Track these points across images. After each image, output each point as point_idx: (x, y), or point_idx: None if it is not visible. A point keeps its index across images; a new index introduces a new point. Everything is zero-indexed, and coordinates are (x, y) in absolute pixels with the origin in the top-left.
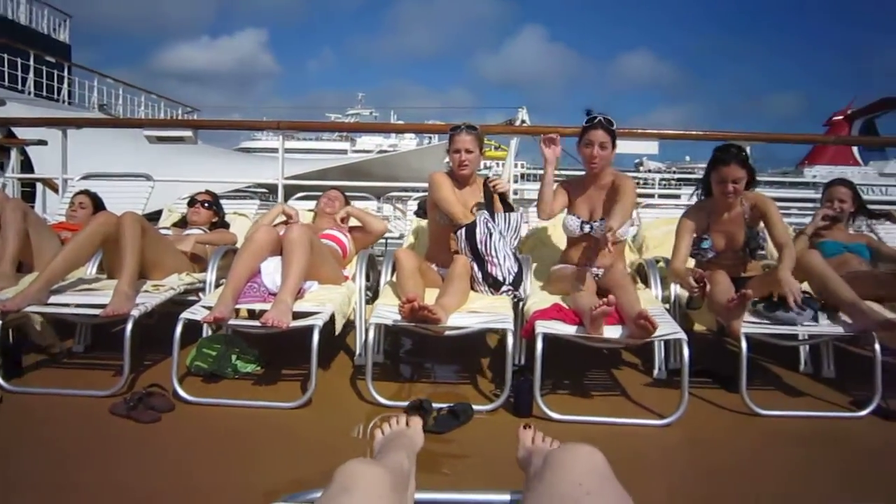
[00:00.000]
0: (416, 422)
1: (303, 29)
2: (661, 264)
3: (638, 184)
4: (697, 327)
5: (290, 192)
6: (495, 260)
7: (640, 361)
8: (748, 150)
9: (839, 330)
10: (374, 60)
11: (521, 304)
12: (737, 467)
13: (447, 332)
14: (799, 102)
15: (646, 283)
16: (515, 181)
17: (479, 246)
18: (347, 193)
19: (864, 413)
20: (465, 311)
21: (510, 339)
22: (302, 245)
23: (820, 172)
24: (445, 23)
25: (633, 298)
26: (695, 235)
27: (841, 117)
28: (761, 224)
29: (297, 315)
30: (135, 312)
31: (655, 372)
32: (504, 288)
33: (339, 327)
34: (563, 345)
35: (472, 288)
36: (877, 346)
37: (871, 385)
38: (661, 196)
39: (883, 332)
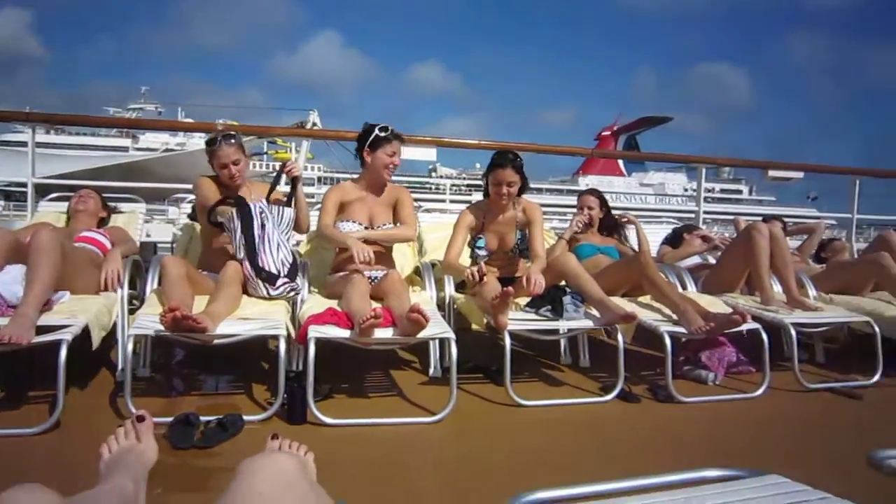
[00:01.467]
0: (147, 434)
1: (75, 12)
2: (438, 267)
3: (430, 189)
4: (474, 326)
5: (43, 192)
6: (268, 250)
7: (418, 361)
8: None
9: (590, 323)
10: (159, 53)
11: (296, 308)
12: (501, 455)
13: (216, 342)
14: (572, 117)
15: (422, 285)
16: (312, 184)
17: (254, 238)
18: (123, 195)
19: (610, 397)
20: (237, 317)
21: (282, 346)
22: (49, 251)
23: (592, 181)
24: (238, 21)
25: (406, 301)
26: (470, 237)
27: (608, 132)
28: None
29: (44, 329)
30: None
31: (431, 371)
32: (281, 282)
33: (96, 341)
34: (341, 348)
35: (246, 291)
36: (619, 337)
37: (616, 372)
38: (452, 202)
39: (624, 323)
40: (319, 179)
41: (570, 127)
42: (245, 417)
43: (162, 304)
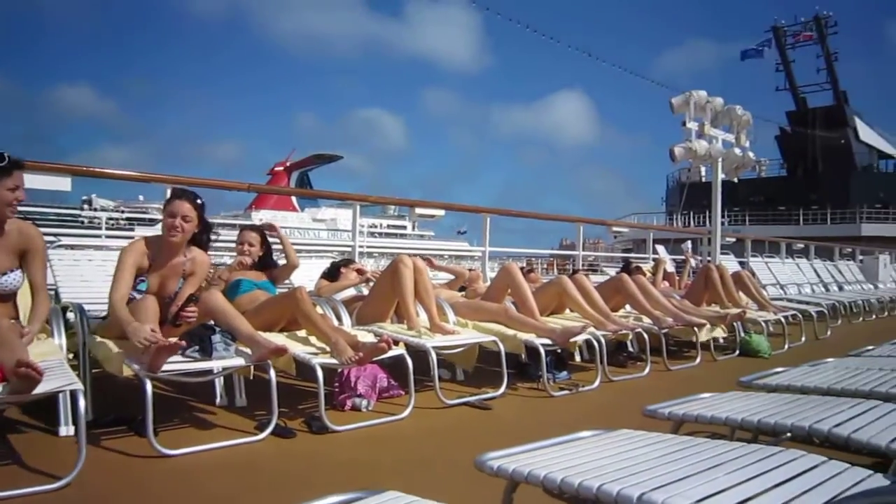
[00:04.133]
0: None
1: None
2: (71, 313)
3: (82, 223)
4: (125, 372)
5: None
6: None
7: (44, 421)
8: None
9: (241, 361)
10: None
11: None
12: None
13: None
14: (240, 153)
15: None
16: None
17: None
18: None
19: (264, 435)
20: None
21: None
22: None
23: (266, 216)
24: None
25: (21, 353)
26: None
27: (281, 168)
28: None
29: None
30: None
31: (62, 430)
32: None
33: None
34: None
35: None
36: (271, 372)
37: (270, 408)
38: (109, 237)
39: (275, 356)
40: None
41: (239, 162)
42: None
43: None
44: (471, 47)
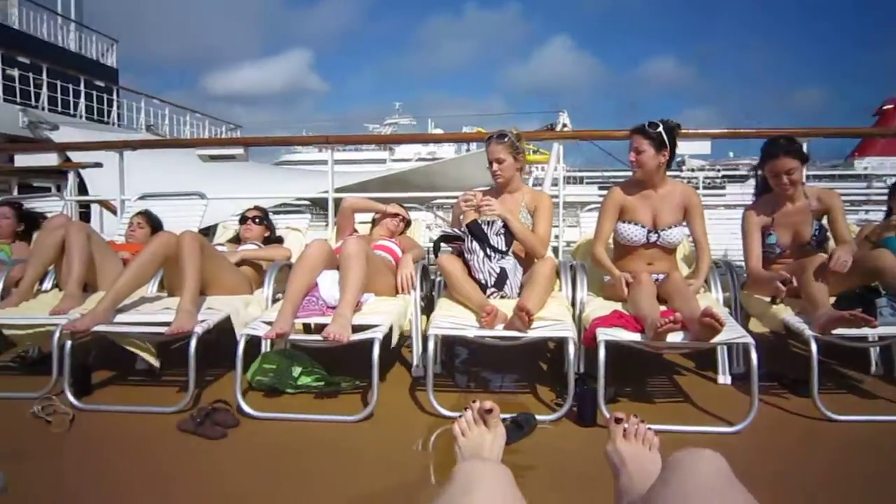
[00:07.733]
0: (497, 423)
1: (343, 49)
2: (720, 267)
3: (682, 183)
4: (758, 328)
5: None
6: (476, 264)
7: (701, 367)
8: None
9: None
10: (407, 76)
11: (578, 310)
12: (814, 477)
13: (504, 343)
14: (821, 99)
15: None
16: (556, 185)
17: (464, 254)
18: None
19: None
20: None
21: (571, 348)
22: (359, 258)
23: (871, 164)
24: (474, 37)
25: (695, 304)
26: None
27: (891, 106)
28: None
29: (356, 328)
30: (198, 329)
31: (720, 378)
32: (489, 291)
33: (395, 339)
34: (620, 350)
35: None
36: None
37: None
38: (706, 195)
39: None
40: (565, 179)
41: (825, 107)
42: (536, 417)
43: (460, 304)
44: None
